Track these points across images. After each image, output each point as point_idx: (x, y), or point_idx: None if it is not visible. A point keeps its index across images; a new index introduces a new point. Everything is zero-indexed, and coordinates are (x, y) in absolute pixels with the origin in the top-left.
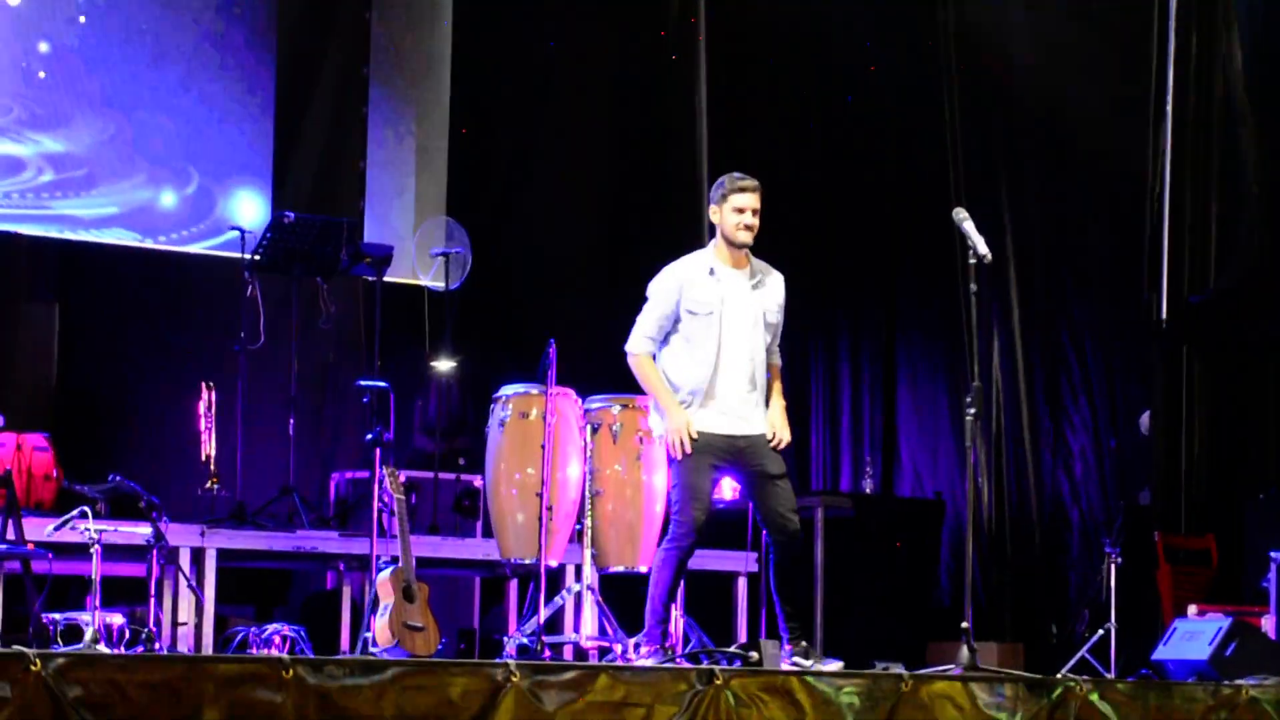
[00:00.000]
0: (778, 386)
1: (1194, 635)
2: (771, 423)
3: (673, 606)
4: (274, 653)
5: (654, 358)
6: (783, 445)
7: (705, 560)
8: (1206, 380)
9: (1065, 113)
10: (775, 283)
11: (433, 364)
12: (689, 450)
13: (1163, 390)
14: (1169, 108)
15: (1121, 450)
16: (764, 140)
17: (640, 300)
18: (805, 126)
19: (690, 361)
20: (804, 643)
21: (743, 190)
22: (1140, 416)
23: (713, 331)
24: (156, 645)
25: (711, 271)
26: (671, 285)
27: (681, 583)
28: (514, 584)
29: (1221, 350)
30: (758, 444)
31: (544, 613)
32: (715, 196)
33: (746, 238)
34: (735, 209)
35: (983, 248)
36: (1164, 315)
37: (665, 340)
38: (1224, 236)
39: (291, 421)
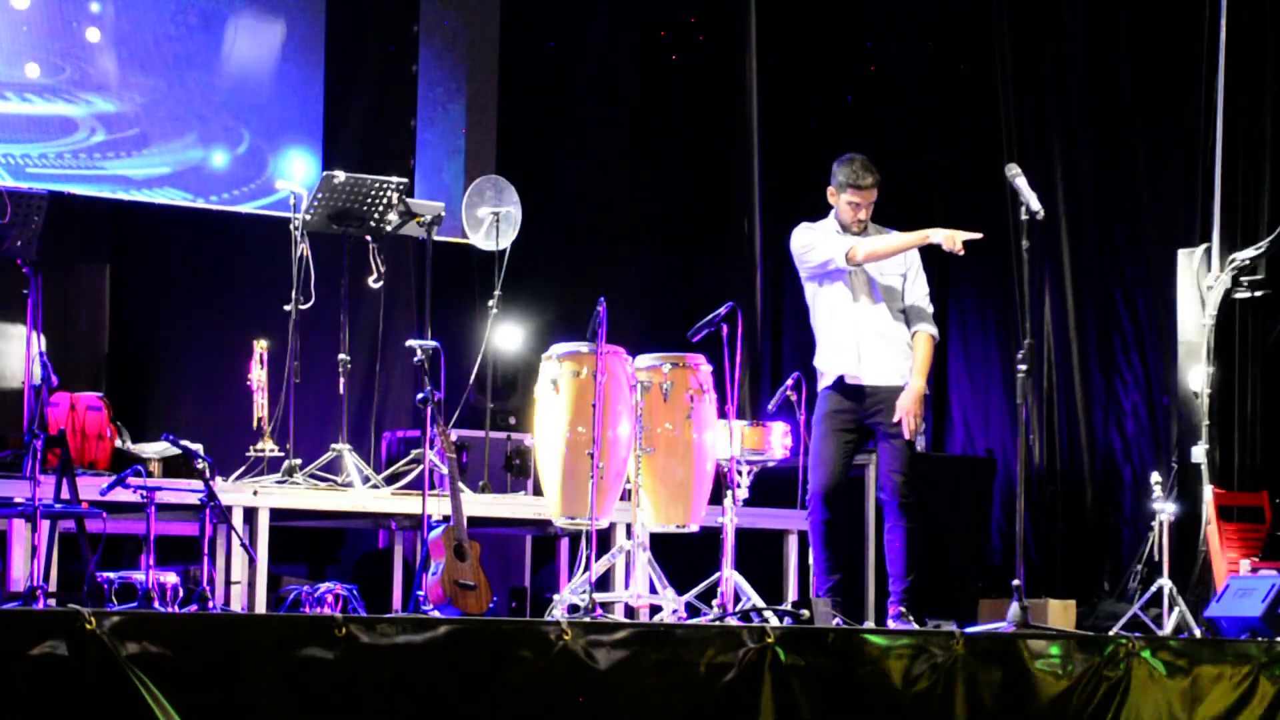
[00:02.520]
0: (922, 356)
1: (1247, 592)
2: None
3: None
4: (326, 611)
5: None
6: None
7: (756, 519)
8: (1259, 336)
9: (1117, 68)
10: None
11: (483, 323)
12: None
13: (1216, 347)
14: (1221, 61)
15: (1174, 407)
16: (814, 94)
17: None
18: (856, 83)
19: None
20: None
21: (858, 189)
22: (1190, 373)
23: (837, 297)
24: (210, 604)
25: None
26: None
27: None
28: (565, 542)
29: (1275, 305)
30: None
31: (595, 571)
32: (835, 179)
33: (857, 230)
34: (849, 203)
35: (1035, 204)
36: (1217, 270)
37: (812, 307)
38: (1277, 191)
39: (342, 381)
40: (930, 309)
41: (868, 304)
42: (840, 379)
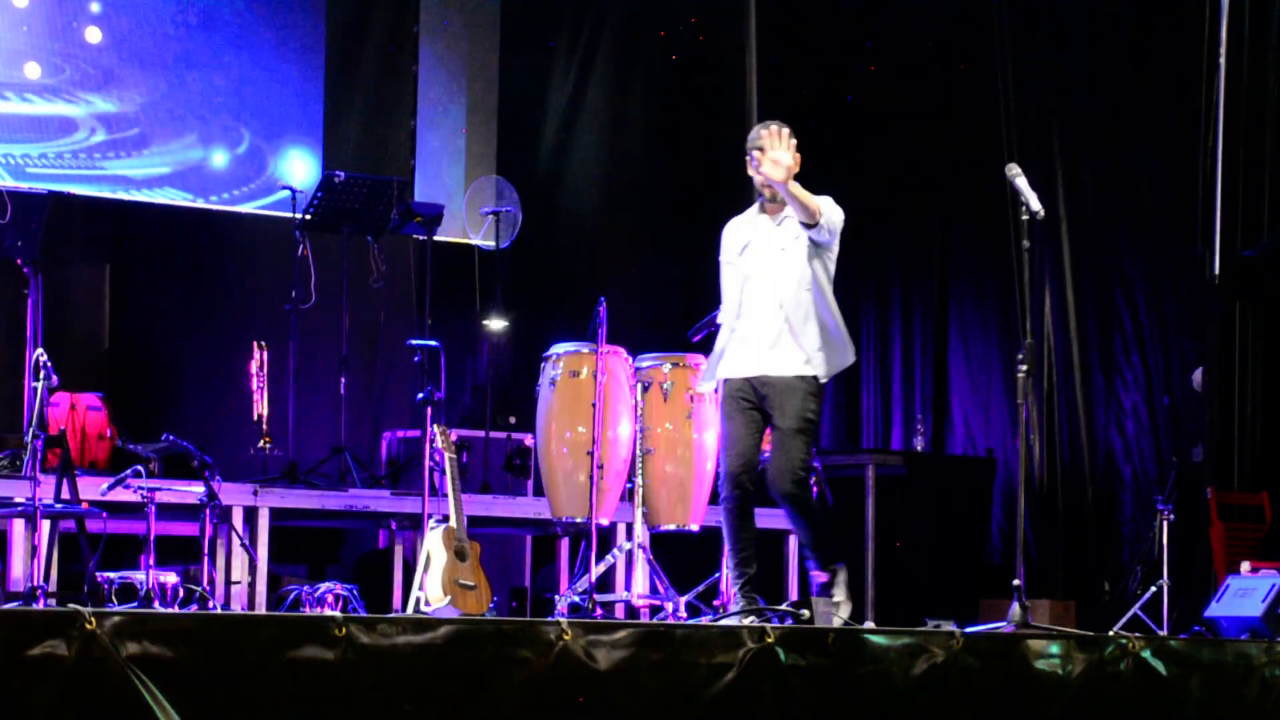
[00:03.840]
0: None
1: (1247, 592)
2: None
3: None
4: (326, 611)
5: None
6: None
7: (757, 519)
8: (1260, 336)
9: (1118, 67)
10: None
11: (483, 323)
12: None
13: (1216, 346)
14: (1222, 60)
15: (1174, 407)
16: (814, 97)
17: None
18: (856, 83)
19: (728, 315)
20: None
21: (763, 150)
22: (1193, 373)
23: (736, 278)
24: (210, 604)
25: (753, 220)
26: (724, 244)
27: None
28: (565, 542)
29: (1276, 305)
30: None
31: (595, 571)
32: (749, 145)
33: (773, 193)
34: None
35: (1035, 204)
36: (1217, 270)
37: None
38: (1278, 190)
39: (343, 381)
40: None
41: None
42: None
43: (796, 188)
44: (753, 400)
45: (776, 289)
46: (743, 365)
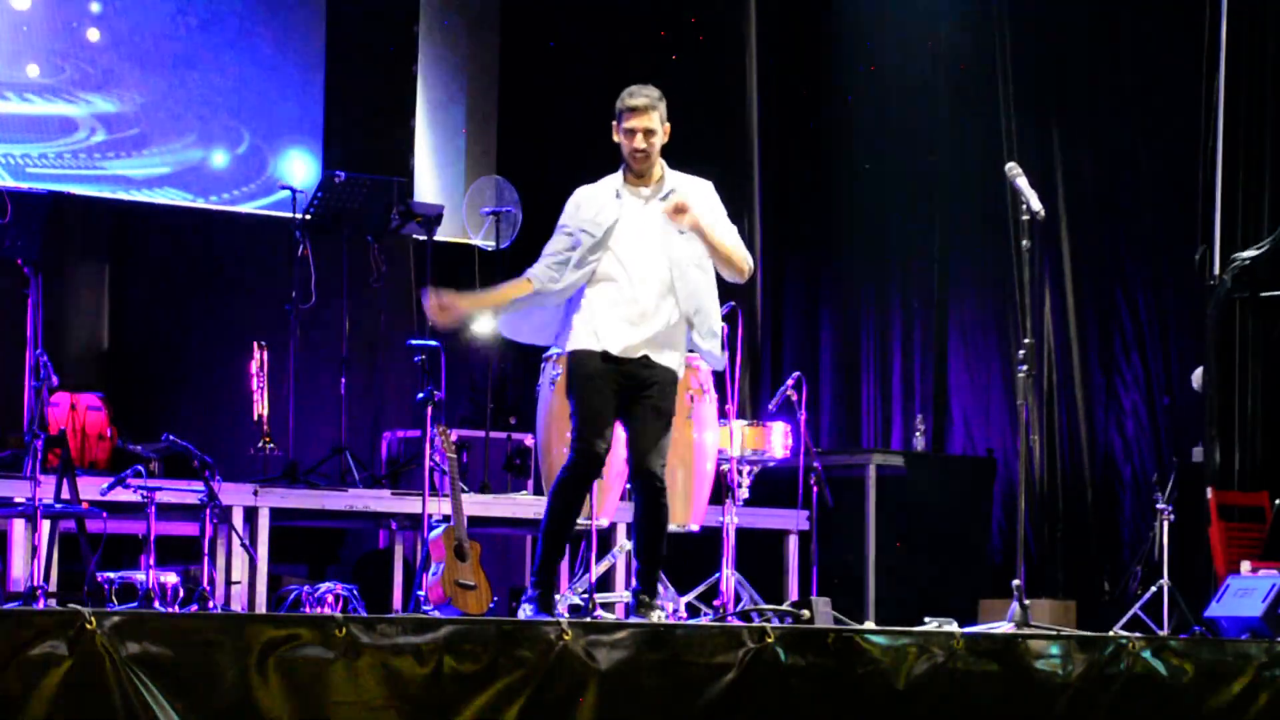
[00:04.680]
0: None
1: (1247, 592)
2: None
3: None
4: (327, 611)
5: (541, 283)
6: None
7: (756, 518)
8: (1260, 336)
9: (1118, 67)
10: (693, 190)
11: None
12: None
13: (1216, 346)
14: (1222, 61)
15: (1174, 407)
16: (814, 94)
17: None
18: (856, 83)
19: (592, 292)
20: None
21: (631, 111)
22: (1193, 373)
23: (610, 255)
24: (210, 604)
25: (616, 194)
26: (570, 209)
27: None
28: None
29: (1275, 305)
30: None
31: (595, 571)
32: (615, 115)
33: (639, 164)
34: (625, 131)
35: (1035, 203)
36: (1217, 270)
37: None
38: (1278, 190)
39: (343, 381)
40: None
41: None
42: None
43: (718, 239)
44: (623, 382)
45: (658, 271)
46: (624, 344)
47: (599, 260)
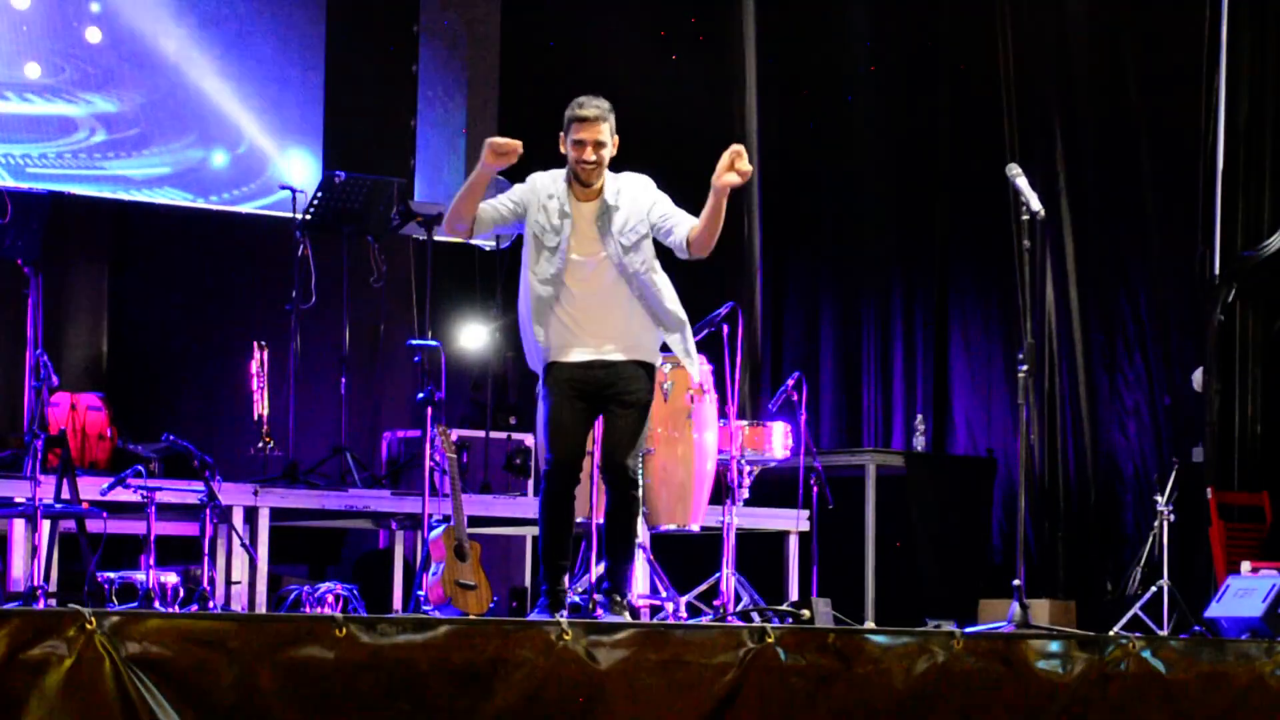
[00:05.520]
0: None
1: (1247, 592)
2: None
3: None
4: (327, 611)
5: (480, 217)
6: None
7: (757, 519)
8: (1260, 336)
9: (1120, 68)
10: (632, 190)
11: (484, 322)
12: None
13: (1216, 346)
14: (1222, 61)
15: (1175, 407)
16: (814, 97)
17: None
18: (856, 83)
19: (541, 304)
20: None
21: (581, 122)
22: (1193, 373)
23: (559, 269)
24: (210, 604)
25: (563, 207)
26: (525, 188)
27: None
28: None
29: (1275, 305)
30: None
31: (595, 571)
32: (564, 124)
33: (587, 176)
34: (574, 142)
35: (1035, 204)
36: (1217, 271)
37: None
38: (1278, 190)
39: (343, 381)
40: None
41: None
42: None
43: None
44: (587, 388)
45: (608, 278)
46: (581, 354)
47: (552, 272)
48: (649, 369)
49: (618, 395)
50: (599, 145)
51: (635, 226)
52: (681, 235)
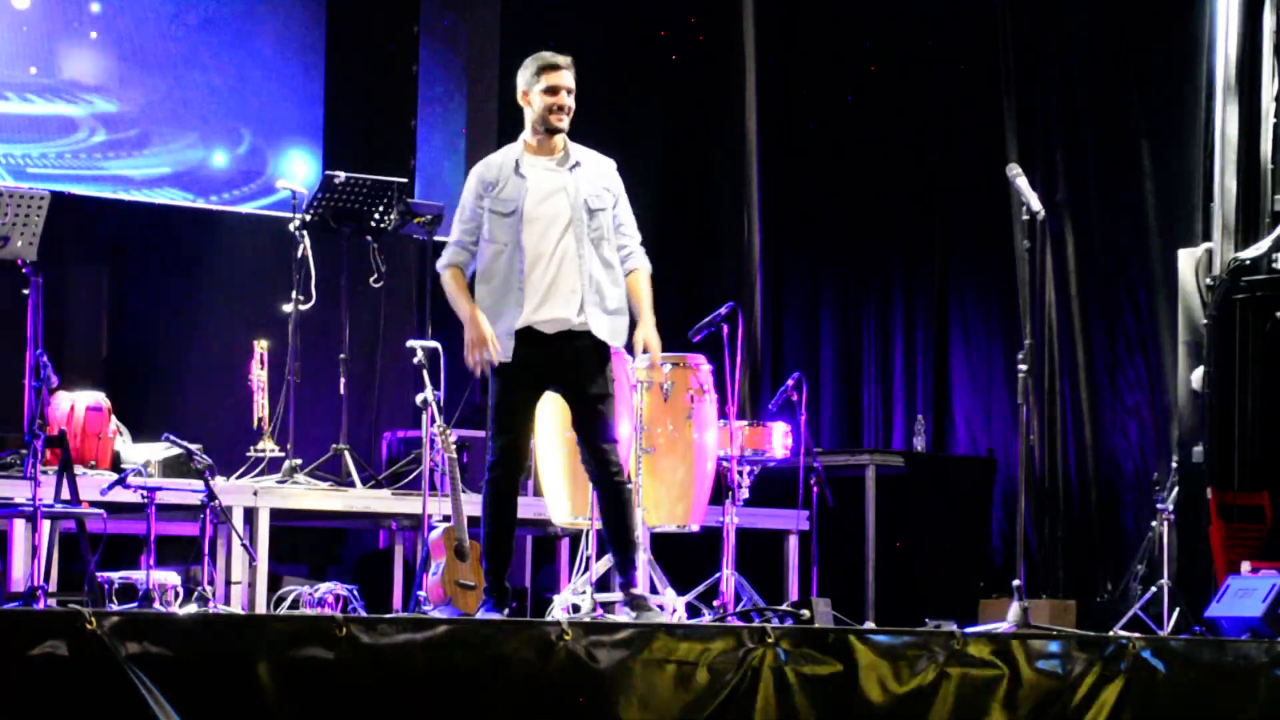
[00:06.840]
0: (646, 294)
1: (1247, 592)
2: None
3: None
4: (327, 611)
5: (465, 268)
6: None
7: (756, 519)
8: (1260, 336)
9: (1120, 66)
10: (599, 166)
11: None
12: (494, 360)
13: (1216, 346)
14: (1221, 61)
15: (1175, 407)
16: (814, 94)
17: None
18: (857, 83)
19: (499, 266)
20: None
21: (555, 68)
22: (1193, 373)
23: (516, 230)
24: (210, 604)
25: (517, 166)
26: (473, 185)
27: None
28: (565, 543)
29: (1275, 305)
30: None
31: (595, 571)
32: (524, 79)
33: (560, 122)
34: (548, 89)
35: (1035, 204)
36: (1217, 271)
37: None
38: (1277, 191)
39: (343, 381)
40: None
41: None
42: None
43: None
44: (546, 363)
45: (568, 243)
46: (542, 318)
47: (510, 234)
48: (607, 346)
49: (582, 372)
50: (570, 91)
51: (599, 195)
52: (624, 265)
